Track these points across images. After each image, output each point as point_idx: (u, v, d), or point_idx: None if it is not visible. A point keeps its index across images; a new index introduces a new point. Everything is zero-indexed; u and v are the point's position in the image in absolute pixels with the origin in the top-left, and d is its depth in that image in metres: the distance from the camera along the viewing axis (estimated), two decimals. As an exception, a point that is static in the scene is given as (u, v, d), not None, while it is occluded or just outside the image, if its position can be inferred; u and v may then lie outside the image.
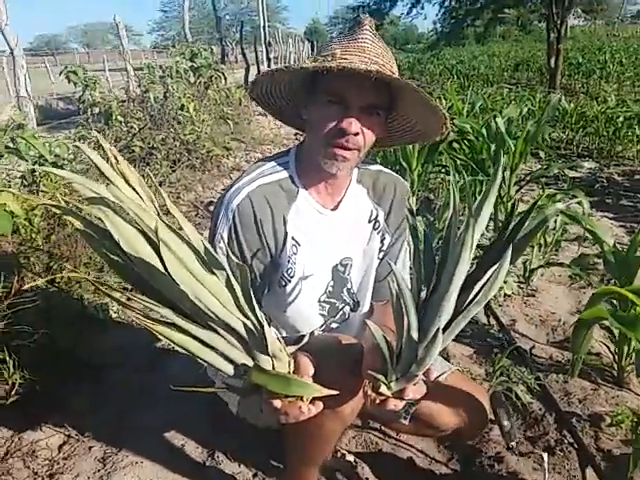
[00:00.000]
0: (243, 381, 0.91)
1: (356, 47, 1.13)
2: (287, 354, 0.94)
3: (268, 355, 0.88)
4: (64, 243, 2.64)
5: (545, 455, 1.31)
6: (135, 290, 0.80)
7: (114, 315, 2.49)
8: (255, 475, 1.61)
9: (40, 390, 1.86)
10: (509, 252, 0.79)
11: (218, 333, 0.84)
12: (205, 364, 0.87)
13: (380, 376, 0.96)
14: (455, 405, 1.39)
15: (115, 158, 0.75)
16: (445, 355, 2.15)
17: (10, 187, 2.72)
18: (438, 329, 0.83)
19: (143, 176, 0.81)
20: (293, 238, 1.29)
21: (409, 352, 0.91)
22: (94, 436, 1.77)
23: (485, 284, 0.82)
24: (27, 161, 2.61)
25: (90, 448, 1.72)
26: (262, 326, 0.86)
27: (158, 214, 0.76)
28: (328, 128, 1.16)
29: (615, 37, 23.58)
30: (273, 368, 0.91)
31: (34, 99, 6.30)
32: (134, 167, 0.80)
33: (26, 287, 2.11)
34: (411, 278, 0.95)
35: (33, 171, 2.84)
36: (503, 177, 3.07)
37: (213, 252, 0.81)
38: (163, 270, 0.74)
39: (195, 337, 0.82)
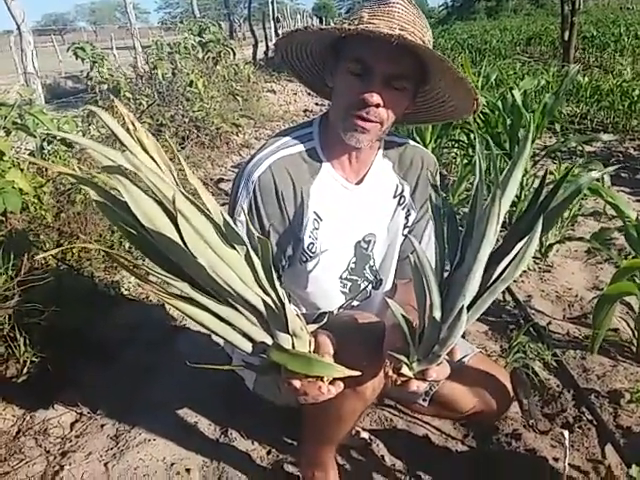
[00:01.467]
0: (261, 360, 0.88)
1: (385, 12, 1.07)
2: (307, 332, 0.91)
3: (288, 333, 0.85)
4: (74, 221, 2.62)
5: (566, 433, 1.27)
6: (152, 263, 0.77)
7: (125, 292, 2.48)
8: (269, 452, 1.60)
9: (51, 368, 1.85)
10: (539, 224, 0.74)
11: (237, 309, 0.80)
12: (223, 341, 0.84)
13: (402, 357, 0.92)
14: (476, 388, 1.37)
15: (133, 124, 0.71)
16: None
17: (19, 164, 2.70)
18: (462, 307, 0.79)
19: (162, 145, 0.77)
20: (315, 212, 1.25)
21: (432, 332, 0.87)
22: (106, 414, 1.76)
23: (514, 259, 0.78)
24: (35, 137, 2.58)
25: (102, 426, 1.71)
26: (282, 303, 0.82)
27: (176, 184, 0.73)
28: (349, 97, 1.11)
29: (629, 10, 23.06)
30: (293, 347, 0.87)
31: (42, 78, 6.27)
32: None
33: (39, 257, 2.10)
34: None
35: (42, 148, 2.81)
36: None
37: (233, 225, 0.77)
38: (180, 242, 0.70)
39: (213, 313, 0.79)
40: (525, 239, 0.76)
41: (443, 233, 0.88)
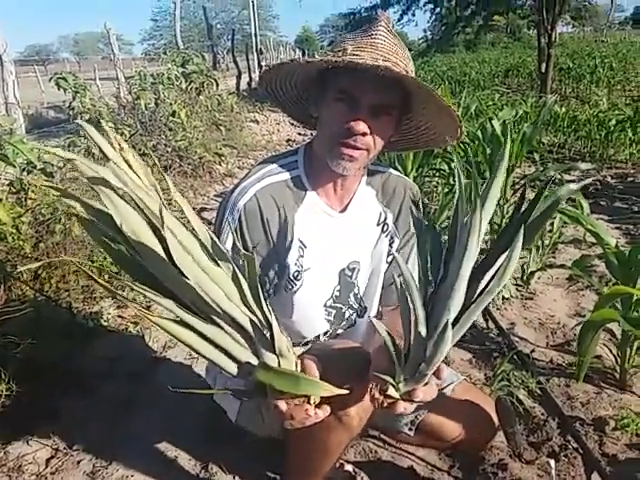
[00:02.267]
0: (246, 382, 0.86)
1: (368, 44, 1.09)
2: (294, 353, 0.89)
3: (274, 353, 0.83)
4: (52, 251, 2.58)
5: (552, 462, 1.26)
6: (135, 281, 0.75)
7: (105, 323, 2.44)
8: (251, 487, 1.56)
9: (27, 402, 1.80)
10: (521, 234, 0.75)
11: (222, 328, 0.79)
12: (205, 372, 0.82)
13: (387, 377, 0.91)
14: (462, 416, 1.35)
15: (119, 145, 0.71)
16: (444, 360, 2.10)
17: (-2, 194, 2.66)
18: (447, 322, 0.78)
19: (149, 166, 0.77)
20: (300, 240, 1.25)
21: (417, 349, 0.85)
22: (83, 449, 1.71)
23: (497, 271, 0.78)
24: (15, 167, 2.55)
25: (79, 462, 1.66)
26: (269, 322, 0.81)
27: (162, 202, 0.72)
28: (336, 127, 1.12)
29: (603, 43, 23.71)
30: (279, 366, 0.86)
31: (24, 108, 6.24)
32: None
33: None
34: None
35: (21, 179, 2.78)
36: (499, 179, 3.04)
37: (219, 243, 0.77)
38: (166, 257, 0.69)
39: (198, 332, 0.77)
40: (507, 251, 0.76)
41: (426, 249, 0.88)
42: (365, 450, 1.68)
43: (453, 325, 0.80)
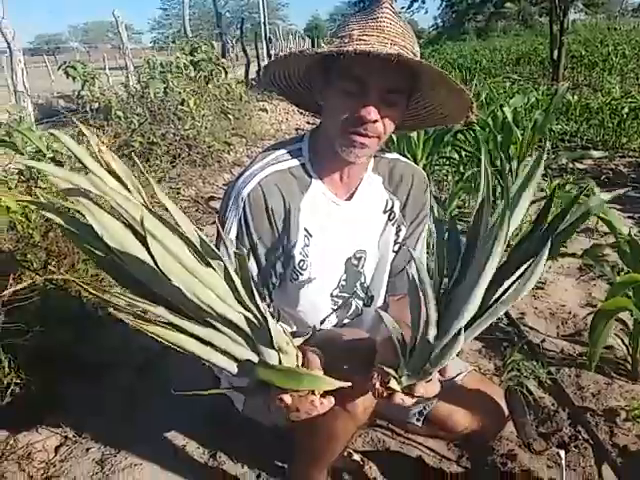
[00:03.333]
0: (249, 379, 0.85)
1: (375, 27, 1.06)
2: (294, 347, 0.88)
3: (274, 349, 0.82)
4: (62, 240, 2.58)
5: (562, 453, 1.25)
6: (126, 289, 0.74)
7: (113, 312, 2.44)
8: (259, 476, 1.56)
9: (36, 390, 1.80)
10: (547, 246, 0.71)
11: (218, 329, 0.77)
12: (207, 364, 0.81)
13: (390, 370, 0.90)
14: (471, 407, 1.34)
15: (99, 147, 0.69)
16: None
17: (7, 183, 2.66)
18: (460, 329, 0.76)
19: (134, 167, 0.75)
20: (305, 229, 1.23)
21: (424, 348, 0.84)
22: (92, 437, 1.72)
23: (516, 280, 0.75)
24: (24, 155, 2.55)
25: (88, 450, 1.67)
26: (265, 318, 0.80)
27: (146, 205, 0.70)
28: (345, 115, 1.09)
29: (616, 30, 23.37)
30: (280, 363, 0.85)
31: (34, 98, 6.25)
32: (133, 163, 0.74)
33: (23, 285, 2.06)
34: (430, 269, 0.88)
35: (30, 168, 2.78)
36: (510, 168, 3.02)
37: (209, 242, 0.75)
38: (153, 264, 0.67)
39: (194, 336, 0.76)
40: (530, 261, 0.74)
41: (444, 247, 0.86)
42: (373, 440, 1.68)
43: (464, 330, 0.78)
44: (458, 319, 0.78)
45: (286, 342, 0.85)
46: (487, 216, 0.79)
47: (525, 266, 0.75)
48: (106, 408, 1.85)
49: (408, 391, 0.92)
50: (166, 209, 0.72)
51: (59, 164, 2.80)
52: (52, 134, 0.69)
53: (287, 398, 0.87)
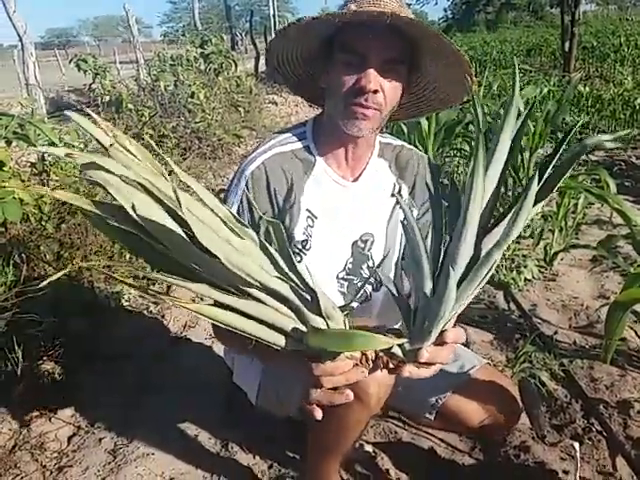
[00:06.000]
0: (295, 351, 0.81)
1: (372, 2, 1.09)
2: (340, 312, 0.86)
3: (321, 316, 0.79)
4: (75, 231, 2.60)
5: (576, 445, 1.24)
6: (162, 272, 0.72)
7: (126, 303, 2.45)
8: (270, 467, 1.56)
9: (49, 381, 1.82)
10: (535, 180, 0.69)
11: (262, 302, 0.75)
12: (253, 339, 0.78)
13: (392, 336, 0.86)
14: (484, 401, 1.33)
15: (113, 133, 0.67)
16: (465, 342, 2.08)
17: (20, 175, 2.68)
18: (451, 277, 0.73)
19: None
20: (308, 210, 1.23)
21: (423, 306, 0.81)
22: (104, 427, 1.73)
23: (508, 223, 0.72)
24: (36, 147, 2.56)
25: (100, 440, 1.68)
26: (308, 286, 0.78)
27: (172, 184, 0.69)
28: (346, 87, 1.10)
29: (628, 21, 23.12)
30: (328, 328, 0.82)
31: (46, 91, 6.27)
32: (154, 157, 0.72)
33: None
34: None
35: (43, 159, 2.79)
36: (522, 159, 2.99)
37: (236, 215, 0.74)
38: (188, 239, 0.66)
39: (238, 311, 0.73)
40: (520, 200, 0.70)
41: (440, 205, 0.84)
42: (385, 431, 1.67)
43: (461, 281, 0.76)
44: (450, 269, 0.74)
45: (332, 307, 0.82)
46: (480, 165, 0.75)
47: (516, 206, 0.72)
48: (119, 398, 1.86)
49: (413, 358, 0.87)
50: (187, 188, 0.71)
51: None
52: (65, 115, 0.67)
53: (343, 364, 0.83)
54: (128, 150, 0.67)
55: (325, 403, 0.88)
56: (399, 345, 0.85)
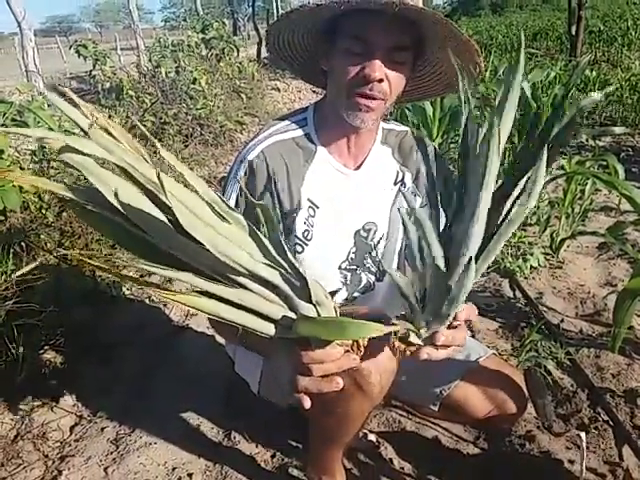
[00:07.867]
0: (285, 339, 0.79)
1: None
2: (332, 300, 0.83)
3: (311, 303, 0.77)
4: (75, 220, 2.58)
5: (583, 434, 1.22)
6: (147, 261, 0.70)
7: (127, 292, 2.44)
8: (274, 456, 1.55)
9: (51, 370, 1.81)
10: (544, 151, 0.66)
11: (250, 289, 0.72)
12: (242, 328, 0.75)
13: (407, 323, 0.84)
14: (490, 392, 1.31)
15: (93, 115, 0.64)
16: (470, 330, 2.06)
17: (19, 163, 2.65)
18: (470, 258, 0.71)
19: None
20: (309, 199, 1.20)
21: (438, 287, 0.78)
22: (107, 416, 1.72)
23: (519, 196, 0.70)
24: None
25: (102, 429, 1.67)
26: (299, 273, 0.75)
27: (155, 167, 0.65)
28: (350, 76, 1.06)
29: (635, 5, 22.83)
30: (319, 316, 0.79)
31: (46, 79, 6.23)
32: (145, 143, 0.69)
33: (37, 263, 2.05)
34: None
35: (43, 147, 2.77)
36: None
37: (225, 201, 0.70)
38: (172, 226, 0.63)
39: (224, 300, 0.70)
40: (530, 172, 0.68)
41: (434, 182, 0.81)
42: (389, 420, 1.66)
43: (475, 259, 0.73)
44: (464, 248, 0.72)
45: (324, 295, 0.80)
46: (473, 137, 0.73)
47: (525, 178, 0.69)
48: (121, 387, 1.85)
49: (430, 342, 0.87)
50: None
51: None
52: (43, 95, 0.64)
53: (334, 351, 0.81)
54: (110, 133, 0.63)
55: (314, 391, 0.86)
56: (415, 333, 0.84)
